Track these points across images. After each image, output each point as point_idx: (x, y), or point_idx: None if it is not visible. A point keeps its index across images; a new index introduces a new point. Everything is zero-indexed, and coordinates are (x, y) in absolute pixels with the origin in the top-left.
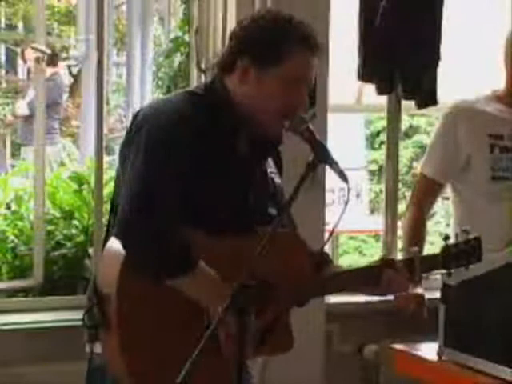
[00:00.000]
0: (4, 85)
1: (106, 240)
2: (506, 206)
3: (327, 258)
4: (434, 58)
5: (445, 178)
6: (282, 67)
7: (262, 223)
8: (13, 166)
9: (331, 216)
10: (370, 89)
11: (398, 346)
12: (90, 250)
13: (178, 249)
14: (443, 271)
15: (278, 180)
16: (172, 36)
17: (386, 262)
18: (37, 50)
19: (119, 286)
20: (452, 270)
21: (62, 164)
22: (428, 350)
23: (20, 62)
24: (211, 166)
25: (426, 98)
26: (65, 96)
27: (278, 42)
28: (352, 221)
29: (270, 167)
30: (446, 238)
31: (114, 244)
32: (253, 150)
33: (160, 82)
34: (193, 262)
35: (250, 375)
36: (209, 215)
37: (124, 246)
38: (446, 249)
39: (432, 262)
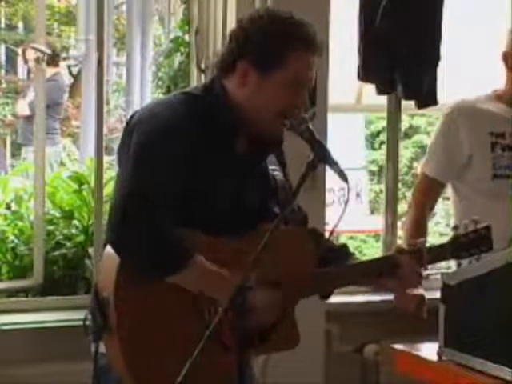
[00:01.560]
0: (4, 85)
1: (106, 242)
2: (507, 204)
3: (347, 251)
4: (434, 58)
5: (446, 178)
6: (283, 70)
7: (266, 221)
8: (13, 166)
9: (331, 216)
10: (370, 89)
11: (398, 346)
12: (90, 250)
13: (173, 245)
14: (454, 261)
15: (280, 177)
16: (172, 36)
17: (398, 250)
18: (37, 50)
19: (116, 288)
20: (463, 260)
21: (62, 164)
22: (428, 350)
23: (20, 61)
24: (207, 166)
25: (426, 98)
26: (65, 96)
27: (279, 45)
28: (352, 221)
29: (273, 164)
30: (455, 227)
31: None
32: (252, 149)
33: (160, 82)
34: (190, 255)
35: (254, 374)
36: (207, 215)
37: (116, 250)
38: (455, 238)
39: (440, 252)
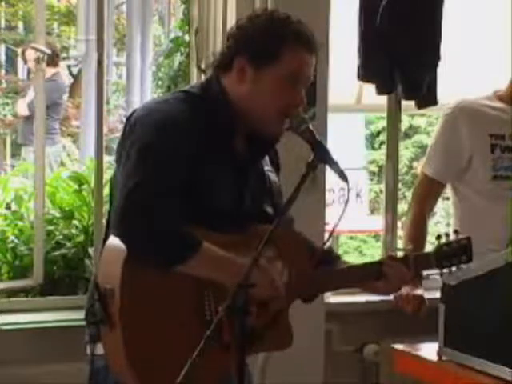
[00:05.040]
0: (4, 85)
1: (105, 239)
2: (507, 205)
3: (332, 254)
4: (434, 58)
5: (446, 178)
6: (278, 65)
7: (259, 221)
8: (13, 166)
9: (331, 216)
10: (370, 89)
11: (398, 346)
12: (90, 250)
13: (182, 231)
14: (437, 270)
15: (274, 178)
16: (172, 36)
17: (388, 257)
18: (37, 50)
19: (122, 280)
20: (444, 270)
21: (62, 164)
22: (428, 350)
23: (20, 61)
24: (207, 164)
25: (426, 98)
26: (65, 96)
27: (273, 41)
28: (352, 221)
29: (267, 165)
30: (439, 237)
31: (115, 240)
32: (250, 148)
33: (160, 82)
34: (198, 241)
35: (250, 374)
36: (205, 213)
37: (125, 241)
38: (439, 247)
39: (426, 261)
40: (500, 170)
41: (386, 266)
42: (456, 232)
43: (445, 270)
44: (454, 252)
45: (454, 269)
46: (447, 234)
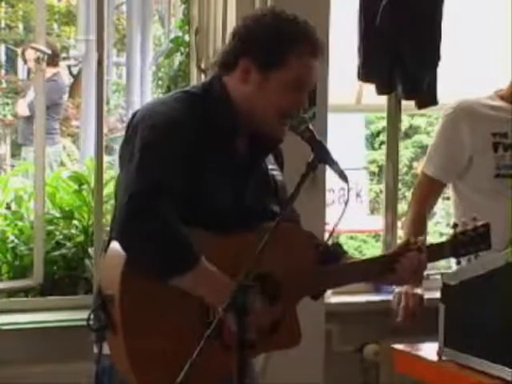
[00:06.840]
0: (4, 85)
1: (109, 241)
2: (508, 204)
3: (340, 249)
4: (434, 58)
5: (447, 178)
6: (284, 70)
7: (264, 220)
8: (13, 166)
9: (331, 216)
10: (370, 89)
11: (398, 346)
12: (90, 250)
13: (180, 246)
14: (453, 259)
15: (279, 177)
16: (172, 36)
17: (400, 247)
18: (37, 50)
19: (122, 286)
20: (462, 258)
21: (62, 164)
22: (428, 350)
23: (20, 61)
24: (208, 165)
25: (426, 98)
26: (65, 96)
27: (283, 46)
28: (352, 221)
29: (271, 164)
30: (455, 225)
31: (117, 246)
32: (251, 148)
33: (160, 82)
34: (196, 258)
35: (254, 375)
36: (207, 213)
37: (124, 248)
38: (454, 237)
39: (440, 250)
40: (503, 168)
41: (400, 259)
42: (474, 219)
43: (462, 260)
44: (471, 240)
45: (472, 257)
46: (465, 223)
